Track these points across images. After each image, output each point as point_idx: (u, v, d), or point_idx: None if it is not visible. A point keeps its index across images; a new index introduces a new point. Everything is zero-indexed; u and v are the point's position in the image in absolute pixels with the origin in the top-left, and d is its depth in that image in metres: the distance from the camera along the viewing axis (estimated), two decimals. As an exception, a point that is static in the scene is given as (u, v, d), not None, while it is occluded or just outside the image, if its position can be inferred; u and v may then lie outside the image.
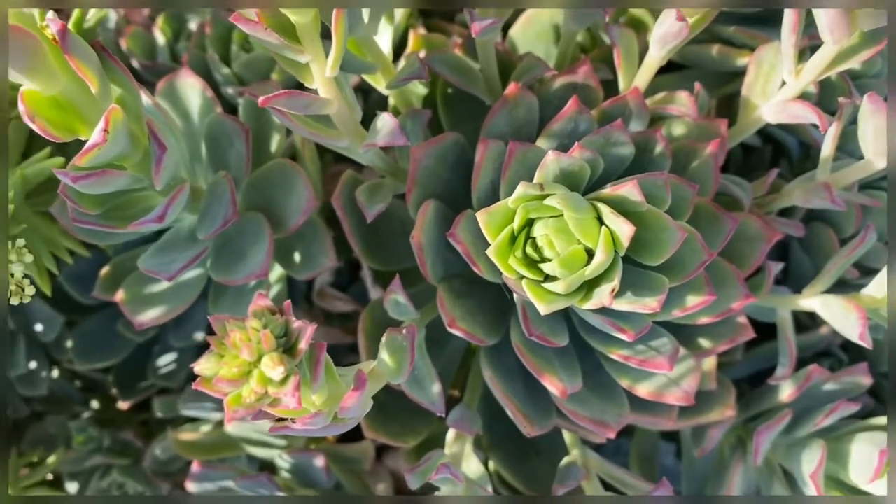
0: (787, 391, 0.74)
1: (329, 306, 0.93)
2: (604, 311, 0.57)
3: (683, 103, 0.67)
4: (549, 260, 0.53)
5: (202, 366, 0.45)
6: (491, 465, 0.82)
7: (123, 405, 1.00)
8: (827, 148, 0.67)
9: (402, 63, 0.73)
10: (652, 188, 0.56)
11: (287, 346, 0.46)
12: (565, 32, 0.72)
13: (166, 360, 0.94)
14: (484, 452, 0.81)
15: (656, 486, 0.65)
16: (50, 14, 0.61)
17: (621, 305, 0.55)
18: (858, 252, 0.69)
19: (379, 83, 0.69)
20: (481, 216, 0.54)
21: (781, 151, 0.87)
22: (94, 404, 1.05)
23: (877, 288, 0.67)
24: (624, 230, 0.51)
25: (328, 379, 0.50)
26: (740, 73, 0.72)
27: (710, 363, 0.71)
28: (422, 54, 0.73)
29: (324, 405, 0.50)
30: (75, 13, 0.69)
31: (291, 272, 0.75)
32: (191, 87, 0.70)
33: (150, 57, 0.92)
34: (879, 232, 0.79)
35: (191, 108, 0.70)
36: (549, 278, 0.54)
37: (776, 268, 0.71)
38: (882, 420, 0.73)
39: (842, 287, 0.76)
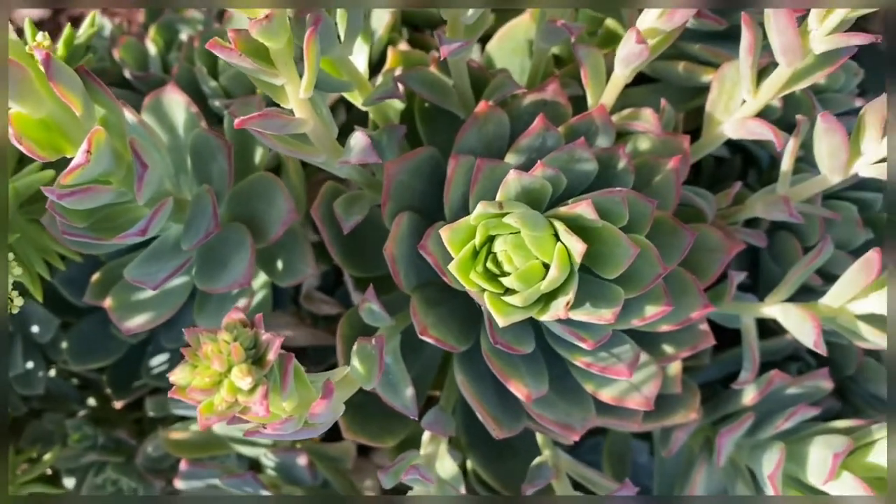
0: (750, 395, 0.76)
1: (316, 309, 0.96)
2: (566, 320, 0.60)
3: (647, 120, 0.70)
4: (509, 274, 0.56)
5: (177, 375, 0.48)
6: (469, 464, 0.86)
7: (117, 404, 1.03)
8: (785, 163, 0.70)
9: (380, 79, 0.76)
10: (610, 204, 0.59)
11: (256, 358, 0.49)
12: (537, 50, 0.75)
13: (158, 361, 0.97)
14: (462, 452, 0.84)
15: (621, 486, 0.68)
16: (40, 36, 0.65)
17: (579, 316, 0.58)
18: (817, 263, 0.72)
19: (357, 99, 0.72)
20: (444, 232, 0.57)
21: (751, 162, 0.90)
22: (92, 402, 1.08)
23: (833, 298, 0.70)
24: (577, 248, 0.54)
25: (299, 386, 0.53)
26: (706, 88, 0.75)
27: (675, 368, 0.74)
28: (399, 71, 0.75)
29: (294, 411, 0.53)
30: (65, 31, 0.72)
31: (274, 279, 0.78)
32: (176, 104, 0.73)
33: (143, 67, 0.95)
34: (839, 241, 0.82)
35: (176, 122, 0.73)
36: (508, 291, 0.57)
37: (738, 277, 0.74)
38: (841, 423, 0.76)
39: (808, 294, 0.79)
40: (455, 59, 0.68)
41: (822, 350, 0.68)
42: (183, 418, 0.97)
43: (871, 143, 0.65)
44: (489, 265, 0.57)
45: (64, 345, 0.95)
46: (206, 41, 0.87)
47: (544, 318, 0.57)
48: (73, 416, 1.04)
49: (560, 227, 0.55)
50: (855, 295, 0.69)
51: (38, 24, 1.34)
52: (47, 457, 0.95)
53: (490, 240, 0.58)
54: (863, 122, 0.66)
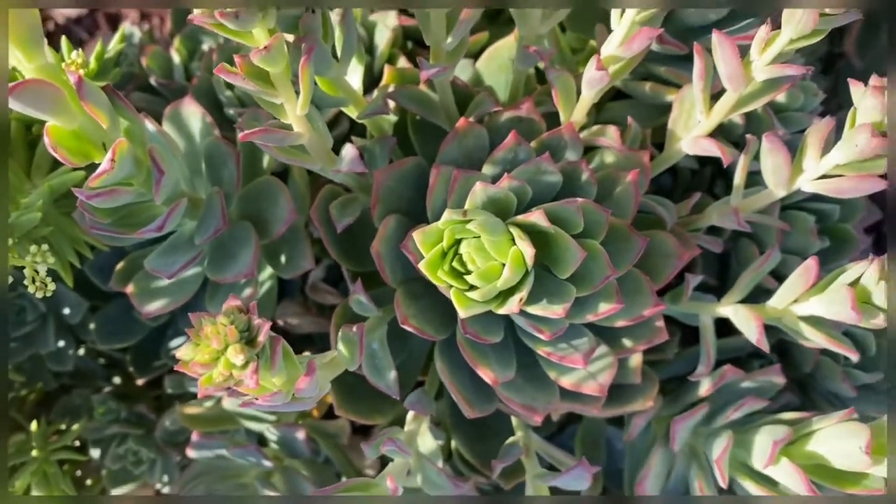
0: (704, 387, 0.84)
1: (321, 299, 1.04)
2: (526, 314, 0.68)
3: (611, 136, 0.78)
4: (472, 272, 0.64)
5: (182, 352, 0.57)
6: (453, 443, 0.94)
7: (139, 382, 1.13)
8: (737, 177, 0.77)
9: (375, 94, 0.84)
10: (566, 213, 0.67)
11: (249, 339, 0.57)
12: (515, 70, 0.83)
13: (177, 343, 1.06)
14: (447, 433, 0.93)
15: (578, 463, 0.76)
16: (74, 53, 0.74)
17: (535, 310, 0.66)
18: (766, 268, 0.79)
19: (353, 113, 0.81)
20: (417, 235, 0.65)
21: (722, 173, 0.97)
22: (116, 380, 1.18)
23: (778, 300, 0.77)
24: (528, 251, 0.62)
25: (288, 364, 0.62)
26: (671, 106, 0.82)
27: (635, 361, 0.82)
28: (392, 88, 0.83)
29: (283, 386, 0.62)
30: (97, 47, 0.82)
31: (278, 272, 0.87)
32: (192, 114, 0.82)
33: (168, 74, 1.04)
34: (796, 249, 0.89)
35: (193, 130, 0.82)
36: (472, 288, 0.65)
37: (695, 280, 0.81)
38: (788, 415, 0.83)
39: (767, 296, 0.86)
40: (438, 79, 0.76)
41: (764, 347, 0.76)
42: (197, 395, 1.05)
43: (812, 161, 0.72)
44: (455, 264, 0.66)
45: (92, 326, 1.04)
46: (226, 53, 0.97)
47: (502, 311, 0.65)
48: (99, 392, 1.14)
49: (516, 232, 0.63)
50: (796, 298, 0.76)
51: (77, 21, 1.44)
52: (75, 428, 1.05)
53: (457, 242, 0.66)
54: (805, 143, 0.73)
